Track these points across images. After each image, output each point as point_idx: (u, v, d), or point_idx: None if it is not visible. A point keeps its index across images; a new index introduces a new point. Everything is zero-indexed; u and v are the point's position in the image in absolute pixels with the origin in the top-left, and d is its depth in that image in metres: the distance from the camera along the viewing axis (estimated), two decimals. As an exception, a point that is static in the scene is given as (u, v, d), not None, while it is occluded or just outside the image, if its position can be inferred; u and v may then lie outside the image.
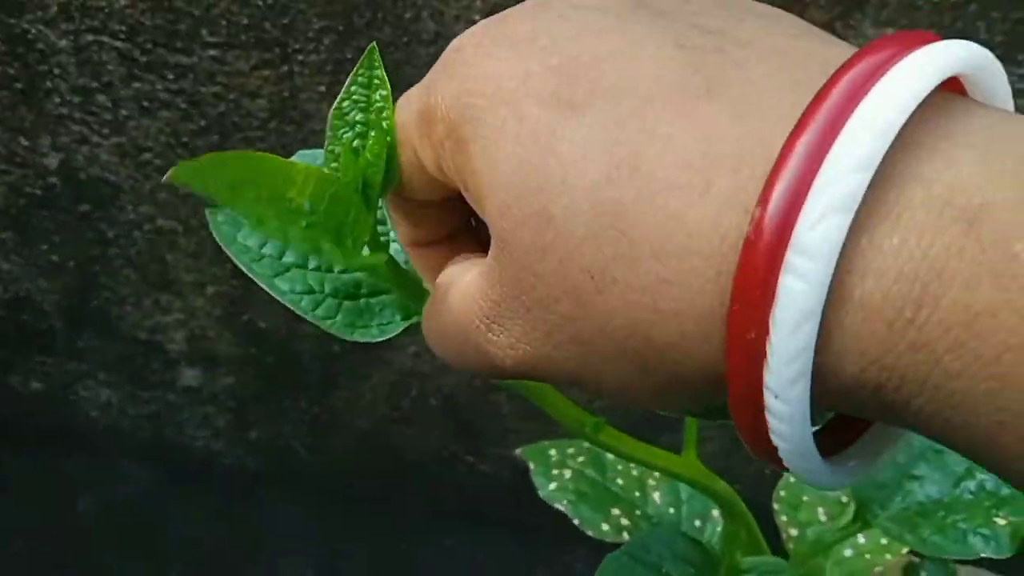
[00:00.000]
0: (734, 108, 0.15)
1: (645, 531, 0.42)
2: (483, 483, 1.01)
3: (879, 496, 0.38)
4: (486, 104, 0.18)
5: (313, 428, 0.99)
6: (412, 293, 0.28)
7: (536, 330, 0.18)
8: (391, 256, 0.27)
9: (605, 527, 0.45)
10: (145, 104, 0.78)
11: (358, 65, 0.25)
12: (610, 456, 0.50)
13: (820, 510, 0.48)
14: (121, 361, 0.97)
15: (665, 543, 0.34)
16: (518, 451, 0.51)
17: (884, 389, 0.14)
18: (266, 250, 0.29)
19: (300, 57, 0.72)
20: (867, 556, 0.47)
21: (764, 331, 0.14)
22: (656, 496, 0.47)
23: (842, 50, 0.17)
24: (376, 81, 0.25)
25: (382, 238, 0.29)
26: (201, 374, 0.97)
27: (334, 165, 0.24)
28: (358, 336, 0.28)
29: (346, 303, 0.29)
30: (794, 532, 0.48)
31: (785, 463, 0.16)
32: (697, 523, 0.46)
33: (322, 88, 0.74)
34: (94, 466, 1.06)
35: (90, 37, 0.74)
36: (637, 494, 0.47)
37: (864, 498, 0.37)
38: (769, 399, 0.15)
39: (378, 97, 0.24)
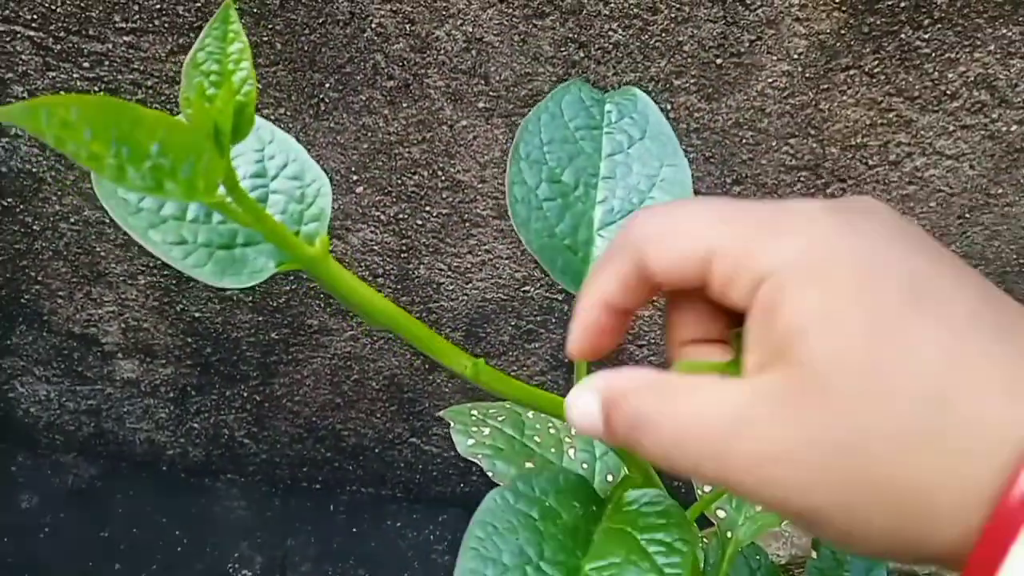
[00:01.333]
0: (1012, 391, 0.20)
1: (529, 470, 0.42)
2: (429, 463, 1.01)
3: None
4: (834, 271, 0.22)
5: (255, 416, 0.99)
6: (282, 240, 0.28)
7: (825, 471, 0.21)
8: (251, 199, 0.27)
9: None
10: (62, 93, 0.77)
11: (212, 19, 0.26)
12: (530, 414, 0.50)
13: None
14: (57, 356, 0.96)
15: (549, 479, 0.34)
16: (441, 412, 0.51)
17: None
18: (144, 203, 0.29)
19: (216, 41, 0.71)
20: None
21: (1002, 555, 0.19)
22: (571, 452, 0.48)
23: None
24: (231, 34, 0.25)
25: (244, 182, 0.29)
26: (139, 366, 0.96)
27: (188, 111, 0.24)
28: (227, 282, 0.28)
29: (218, 252, 0.29)
30: (707, 488, 0.48)
31: None
32: (609, 478, 0.47)
33: (241, 72, 0.73)
34: (35, 463, 1.05)
35: (1, 27, 0.73)
36: (553, 450, 0.48)
37: None
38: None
39: (233, 49, 0.25)
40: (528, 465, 0.47)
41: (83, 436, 1.03)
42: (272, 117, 0.75)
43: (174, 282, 0.88)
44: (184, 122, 0.26)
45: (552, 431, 0.50)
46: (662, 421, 0.23)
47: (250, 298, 0.88)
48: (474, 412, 0.52)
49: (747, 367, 0.23)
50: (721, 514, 0.52)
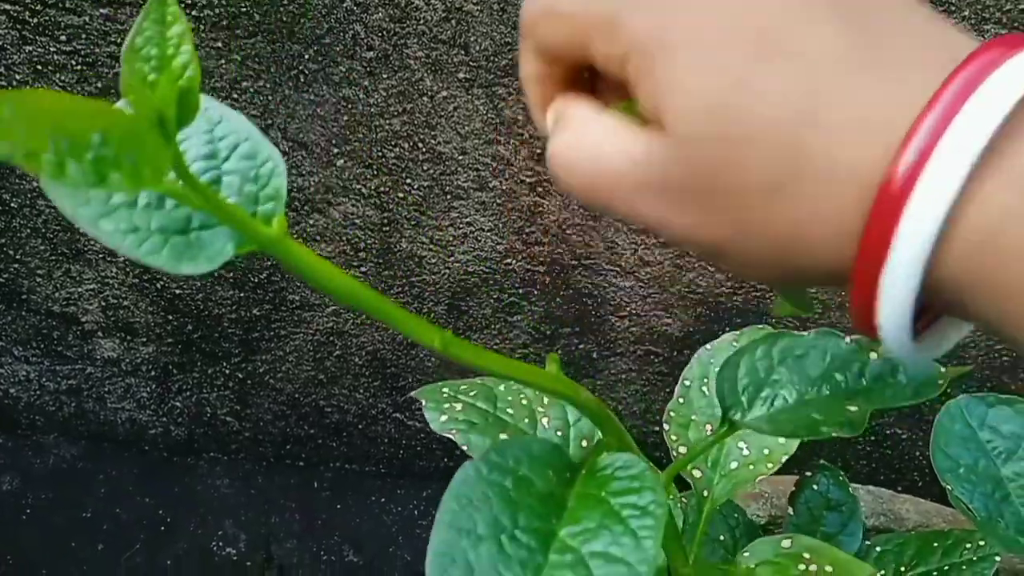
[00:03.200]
0: (886, 79, 0.21)
1: (503, 441, 0.43)
2: (413, 439, 1.02)
3: (742, 401, 0.40)
4: (683, 43, 0.22)
5: (238, 393, 0.99)
6: (237, 221, 0.28)
7: (710, 214, 0.22)
8: (204, 184, 0.26)
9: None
10: (39, 67, 0.76)
11: (149, 2, 0.25)
12: (501, 387, 0.50)
13: (707, 427, 0.50)
14: (36, 335, 0.95)
15: (522, 448, 0.34)
16: (413, 393, 0.51)
17: (961, 287, 0.20)
18: (93, 193, 0.28)
19: (195, 12, 0.71)
20: (751, 467, 0.49)
21: (887, 242, 0.20)
22: (544, 422, 0.48)
23: (968, 39, 0.21)
24: (170, 17, 0.25)
25: (193, 166, 0.28)
26: (119, 345, 0.95)
27: (130, 99, 0.24)
28: (185, 268, 0.28)
29: (174, 238, 0.29)
30: (683, 450, 0.49)
31: (882, 337, 0.22)
32: (584, 444, 0.47)
33: (219, 44, 0.73)
34: (16, 444, 1.04)
35: (-24, -1, 0.72)
36: (526, 420, 0.48)
37: (729, 405, 0.39)
38: (884, 288, 0.21)
39: (173, 33, 0.24)
40: (503, 437, 0.47)
41: (64, 416, 1.03)
42: (251, 89, 0.75)
43: (154, 259, 0.88)
44: (126, 111, 0.25)
45: (524, 402, 0.51)
46: (563, 153, 0.25)
47: (231, 274, 0.88)
48: (445, 389, 0.52)
49: (641, 115, 0.24)
50: (697, 474, 0.52)
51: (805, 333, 0.43)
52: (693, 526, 0.53)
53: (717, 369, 0.44)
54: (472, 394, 0.49)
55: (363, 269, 0.86)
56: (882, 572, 0.54)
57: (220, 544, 1.01)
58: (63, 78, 0.76)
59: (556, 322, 0.89)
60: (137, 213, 0.28)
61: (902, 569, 0.51)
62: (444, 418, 0.47)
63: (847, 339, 0.42)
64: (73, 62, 0.75)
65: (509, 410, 0.48)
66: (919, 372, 0.40)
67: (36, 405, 1.02)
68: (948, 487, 0.51)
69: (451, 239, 0.83)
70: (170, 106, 0.23)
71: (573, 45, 0.25)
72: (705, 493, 0.52)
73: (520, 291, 0.87)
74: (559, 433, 0.48)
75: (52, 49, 0.74)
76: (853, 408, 0.38)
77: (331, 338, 0.92)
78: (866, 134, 0.21)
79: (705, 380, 0.51)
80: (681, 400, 0.51)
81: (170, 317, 0.92)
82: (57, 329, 0.95)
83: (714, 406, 0.49)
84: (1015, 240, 0.19)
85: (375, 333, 0.92)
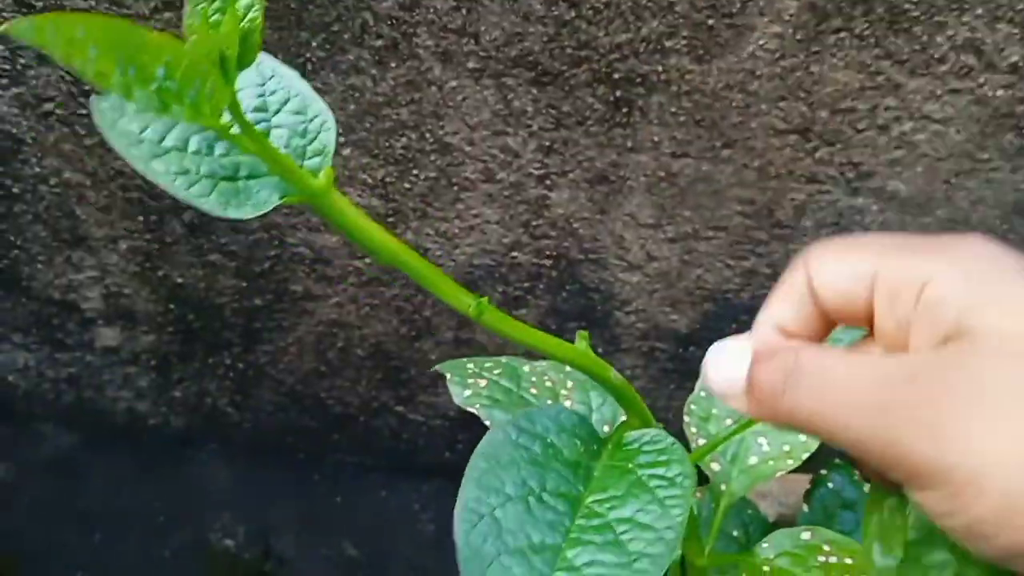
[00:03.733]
0: None
1: (530, 407, 0.43)
2: (415, 432, 1.01)
3: None
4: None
5: (239, 384, 0.98)
6: (285, 170, 0.28)
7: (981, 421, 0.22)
8: (259, 131, 0.27)
9: None
10: (43, 52, 0.75)
11: None
12: (525, 368, 0.51)
13: (728, 421, 0.49)
14: (36, 322, 0.95)
15: (551, 416, 0.34)
16: (437, 367, 0.51)
17: None
18: (146, 135, 0.29)
19: (202, -3, 0.70)
20: (770, 463, 0.48)
21: None
22: (567, 404, 0.48)
23: None
24: None
25: (250, 115, 0.29)
26: (120, 333, 0.95)
27: (193, 38, 0.24)
28: (231, 212, 0.28)
29: (222, 184, 0.29)
30: (703, 443, 0.49)
31: None
32: (606, 428, 0.47)
33: (227, 29, 0.72)
34: (14, 432, 1.04)
35: (-20, -19, 0.71)
36: (549, 402, 0.48)
37: None
38: None
39: None
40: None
41: (62, 405, 1.02)
42: (258, 77, 0.74)
43: (156, 247, 0.87)
44: (190, 47, 0.26)
45: (548, 384, 0.51)
46: (823, 375, 0.24)
47: (234, 263, 0.87)
48: (470, 365, 0.52)
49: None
50: (715, 467, 0.52)
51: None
52: (708, 520, 0.53)
53: None
54: (497, 372, 0.49)
55: (367, 260, 0.86)
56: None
57: (218, 536, 1.01)
58: (67, 62, 0.75)
59: (562, 316, 0.89)
60: (188, 157, 0.29)
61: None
62: (468, 393, 0.48)
63: None
64: (78, 46, 0.74)
65: (533, 390, 0.49)
66: None
67: (34, 393, 1.01)
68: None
69: (457, 231, 0.82)
70: (232, 46, 0.24)
71: (851, 285, 0.25)
72: (723, 487, 0.52)
73: (526, 285, 0.86)
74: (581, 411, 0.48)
75: (57, 32, 0.74)
76: None
77: (334, 329, 0.92)
78: None
79: None
80: (702, 394, 0.50)
81: (171, 306, 0.92)
82: (57, 316, 0.94)
83: None
84: None
85: (378, 325, 0.91)
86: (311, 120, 0.34)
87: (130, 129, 0.31)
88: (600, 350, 0.91)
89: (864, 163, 0.76)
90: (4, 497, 1.00)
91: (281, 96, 0.34)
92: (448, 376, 0.49)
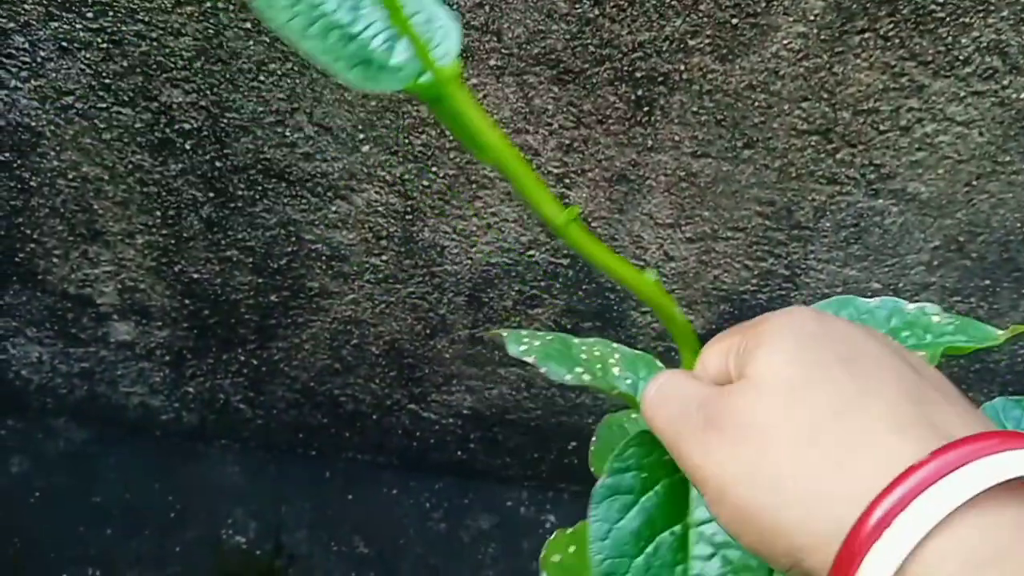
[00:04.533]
0: (841, 458, 0.25)
1: (578, 373, 0.45)
2: (427, 431, 1.01)
3: None
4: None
5: (252, 381, 0.98)
6: (420, 49, 0.29)
7: (735, 498, 0.27)
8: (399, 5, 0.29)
9: (568, 376, 0.47)
10: (64, 44, 0.75)
11: None
12: (575, 341, 0.52)
13: None
14: (50, 317, 0.95)
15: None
16: (494, 331, 0.53)
17: None
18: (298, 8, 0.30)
19: (225, -8, 0.70)
20: None
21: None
22: (616, 370, 0.49)
23: (918, 445, 0.25)
24: None
25: None
26: (134, 328, 0.95)
27: None
28: (369, 86, 0.30)
29: (362, 54, 0.31)
30: None
31: None
32: None
33: (248, 25, 0.72)
34: (26, 426, 1.03)
35: (2, -27, 0.71)
36: (599, 366, 0.49)
37: None
38: None
39: None
40: (578, 369, 0.48)
41: (75, 399, 1.02)
42: (278, 72, 0.74)
43: (173, 242, 0.87)
44: None
45: (597, 353, 0.52)
46: (666, 392, 0.31)
47: (250, 259, 0.87)
48: (525, 333, 0.53)
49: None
50: None
51: (871, 300, 0.44)
52: None
53: None
54: (549, 339, 0.51)
55: (384, 257, 0.85)
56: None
57: (230, 532, 1.01)
58: (88, 56, 0.75)
59: (578, 316, 0.88)
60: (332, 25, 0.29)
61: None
62: (523, 347, 0.49)
63: (910, 306, 0.43)
64: (99, 39, 0.74)
65: (582, 356, 0.50)
66: (979, 332, 0.42)
67: (48, 387, 1.01)
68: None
69: (474, 229, 0.82)
70: None
71: (720, 366, 0.31)
72: None
73: (542, 284, 0.86)
74: (628, 382, 0.50)
75: (78, 26, 0.73)
76: (921, 353, 0.40)
77: (348, 327, 0.91)
78: (836, 504, 0.25)
79: None
80: None
81: (186, 301, 0.91)
82: (72, 311, 0.94)
83: None
84: None
85: (393, 323, 0.91)
86: (438, 29, 0.35)
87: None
88: (615, 350, 0.91)
89: (885, 164, 0.75)
90: (17, 491, 1.00)
91: (410, 9, 0.36)
92: (504, 335, 0.51)
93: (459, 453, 1.02)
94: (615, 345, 0.51)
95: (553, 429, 1.00)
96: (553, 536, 0.45)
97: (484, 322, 0.90)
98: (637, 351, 0.51)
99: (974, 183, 0.76)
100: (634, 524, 0.37)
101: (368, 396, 0.97)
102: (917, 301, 0.85)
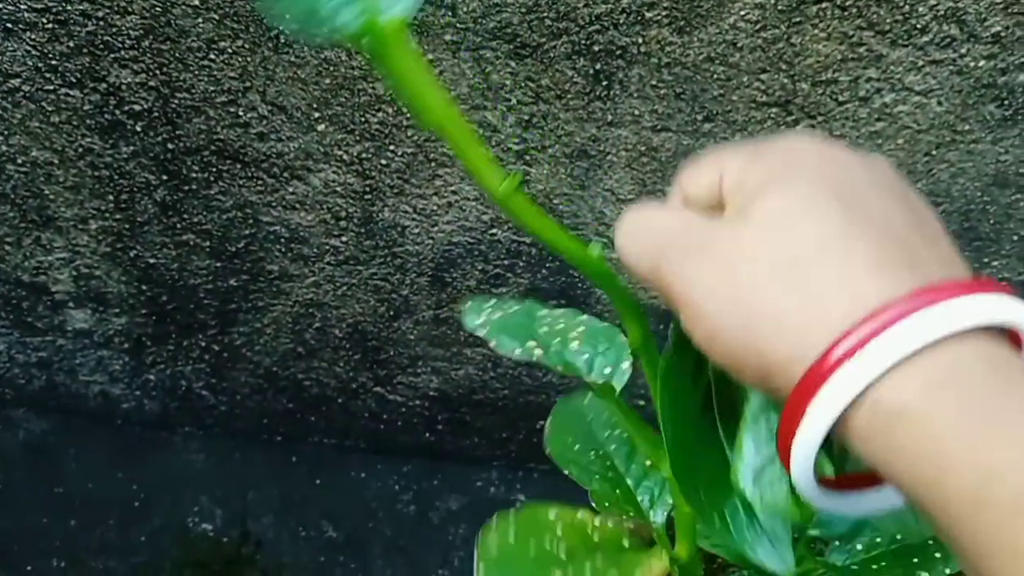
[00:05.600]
0: (819, 291, 0.26)
1: (531, 347, 0.44)
2: (394, 413, 1.00)
3: None
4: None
5: (214, 367, 0.96)
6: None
7: (712, 309, 0.28)
8: None
9: (518, 351, 0.47)
10: (8, 26, 0.73)
11: None
12: (543, 310, 0.51)
13: None
14: (5, 306, 0.93)
15: None
16: (462, 304, 0.52)
17: (859, 441, 0.26)
18: None
19: (171, -32, 0.68)
20: None
21: (804, 406, 0.26)
22: (575, 345, 0.49)
23: (899, 280, 0.26)
24: None
25: None
26: (91, 316, 0.93)
27: None
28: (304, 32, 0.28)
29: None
30: None
31: (792, 472, 0.27)
32: (606, 370, 0.48)
33: (196, 1, 0.70)
34: (-16, 418, 1.02)
35: (-61, -49, 0.69)
36: (557, 340, 0.49)
37: None
38: (799, 437, 0.26)
39: None
40: (530, 343, 0.48)
41: (34, 389, 1.00)
42: (229, 50, 0.73)
43: (127, 227, 0.85)
44: None
45: (561, 325, 0.51)
46: (641, 222, 0.31)
47: (207, 243, 0.86)
48: (491, 301, 0.53)
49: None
50: None
51: None
52: None
53: None
54: (514, 309, 0.50)
55: (344, 238, 0.84)
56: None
57: (196, 520, 0.99)
58: (34, 37, 0.73)
59: (542, 294, 0.88)
60: None
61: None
62: (480, 320, 0.48)
63: None
64: (44, 20, 0.72)
65: (544, 329, 0.49)
66: None
67: (5, 378, 0.99)
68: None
69: (435, 208, 0.81)
70: None
71: (709, 186, 0.31)
72: None
73: (505, 262, 0.86)
74: (585, 357, 0.49)
75: (22, 6, 0.71)
76: None
77: (311, 310, 0.90)
78: (804, 333, 0.26)
79: None
80: None
81: (143, 287, 0.90)
82: (27, 299, 0.92)
83: None
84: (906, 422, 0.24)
85: (356, 305, 0.90)
86: None
87: None
88: (580, 328, 0.91)
89: (845, 135, 0.75)
90: (-25, 484, 0.98)
91: None
92: (466, 304, 0.50)
93: (427, 435, 1.02)
94: (583, 317, 0.50)
95: (521, 408, 0.99)
96: (491, 523, 0.44)
97: (448, 302, 0.89)
98: (603, 324, 0.50)
99: (933, 153, 0.76)
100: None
101: (333, 380, 0.96)
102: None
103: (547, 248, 0.84)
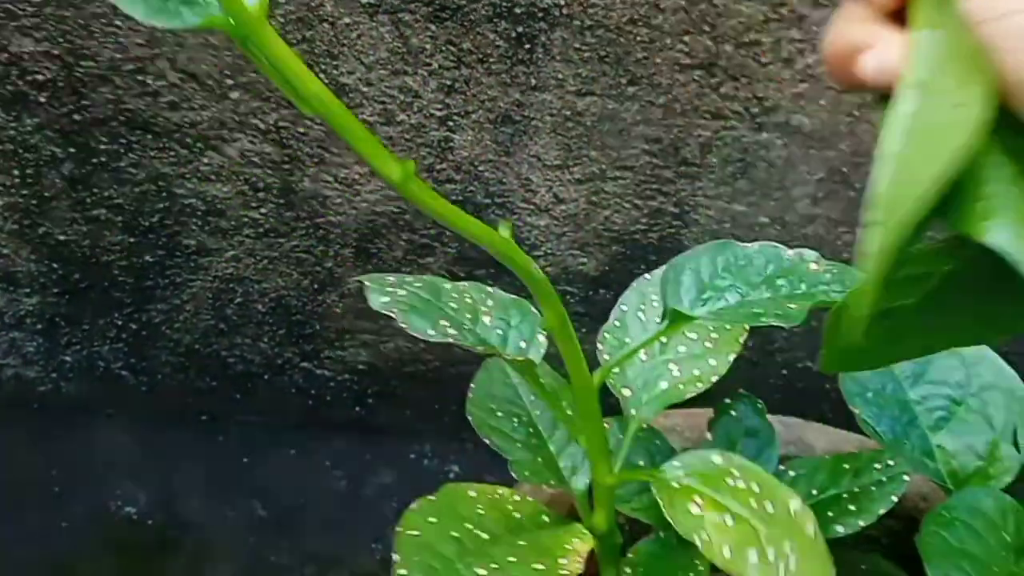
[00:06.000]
0: None
1: (444, 327, 0.43)
2: (323, 388, 0.98)
3: (683, 299, 0.41)
4: None
5: (132, 346, 0.93)
6: None
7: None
8: None
9: (431, 331, 0.45)
10: None
11: None
12: (447, 285, 0.50)
13: (642, 353, 0.50)
14: (-95, 288, 0.88)
15: None
16: (360, 277, 0.50)
17: None
18: None
19: (67, -73, 0.65)
20: (680, 387, 0.49)
21: None
22: (487, 320, 0.48)
23: None
24: None
25: None
26: (0, 296, 0.89)
27: None
28: (159, 21, 0.26)
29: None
30: (616, 370, 0.49)
31: None
32: (522, 344, 0.47)
33: (97, -37, 0.67)
34: None
35: None
36: (468, 316, 0.48)
37: (672, 303, 0.42)
38: None
39: None
40: (442, 322, 0.47)
41: (-59, 375, 0.96)
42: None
43: (35, 203, 0.82)
44: None
45: (468, 301, 0.51)
46: None
47: (120, 218, 0.83)
48: (391, 278, 0.52)
49: None
50: (627, 393, 0.52)
51: (750, 245, 0.44)
52: (618, 445, 0.53)
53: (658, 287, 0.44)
54: (417, 285, 0.49)
55: (263, 210, 0.82)
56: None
57: (119, 504, 0.97)
58: (-81, 1, 0.69)
59: (471, 263, 0.86)
60: None
61: (814, 492, 0.51)
62: (386, 299, 0.47)
63: (790, 252, 0.44)
64: (-71, -18, 0.68)
65: (452, 304, 0.48)
66: (855, 280, 0.41)
67: (-91, 364, 0.95)
68: (856, 411, 0.51)
69: (357, 177, 0.79)
70: None
71: None
72: (632, 412, 0.52)
73: (432, 232, 0.84)
74: (499, 332, 0.48)
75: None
76: (794, 306, 0.39)
77: (231, 285, 0.88)
78: None
79: (642, 307, 0.51)
80: (617, 323, 0.51)
81: (55, 265, 0.86)
82: (-72, 281, 0.87)
83: (648, 331, 0.49)
84: None
85: (279, 279, 0.87)
86: None
87: None
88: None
89: (769, 97, 0.75)
90: None
91: None
92: (366, 284, 0.49)
93: (357, 409, 1.00)
94: (490, 290, 0.49)
95: (453, 379, 0.98)
96: (413, 505, 0.43)
97: (375, 273, 0.87)
98: (512, 296, 0.49)
99: (855, 113, 0.76)
100: None
101: (257, 356, 0.94)
102: (804, 232, 0.86)
103: (475, 216, 0.83)
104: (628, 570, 0.49)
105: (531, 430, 0.56)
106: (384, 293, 0.47)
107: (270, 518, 0.99)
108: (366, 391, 0.98)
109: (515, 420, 0.56)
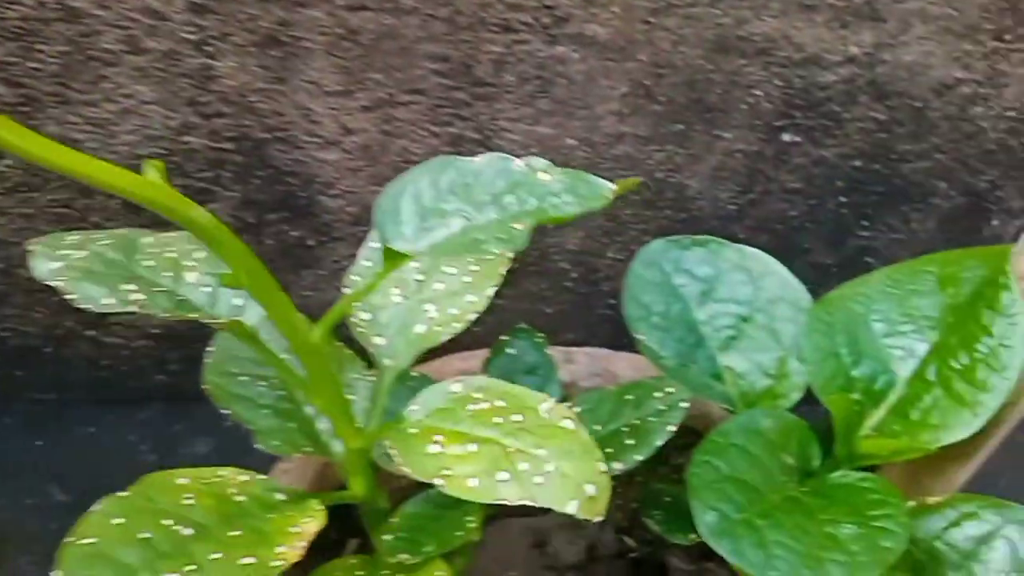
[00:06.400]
0: None
1: (126, 291, 0.37)
2: (116, 357, 0.89)
3: (404, 233, 0.37)
4: None
5: None
6: None
7: None
8: None
9: (110, 300, 0.39)
10: None
11: None
12: (147, 239, 0.44)
13: (396, 291, 0.45)
14: None
15: None
16: (27, 243, 0.43)
17: None
18: None
19: None
20: (437, 328, 0.45)
21: None
22: (191, 277, 0.42)
23: None
24: None
25: None
26: None
27: None
28: None
29: None
30: (365, 316, 0.45)
31: None
32: (238, 302, 0.44)
33: None
34: None
35: None
36: (169, 274, 0.42)
37: (391, 238, 0.37)
38: None
39: None
40: (126, 287, 0.40)
41: None
42: None
43: None
44: None
45: (170, 255, 0.44)
46: None
47: None
48: (73, 237, 0.45)
49: None
50: (379, 342, 0.47)
51: (476, 159, 0.39)
52: (375, 399, 0.47)
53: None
54: (106, 243, 0.42)
55: (8, 161, 0.72)
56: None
57: None
58: None
59: (259, 208, 0.79)
60: None
61: (598, 427, 0.46)
62: (57, 265, 0.40)
63: (519, 162, 0.38)
64: None
65: (150, 262, 0.41)
66: (588, 189, 0.36)
67: None
68: (639, 337, 0.47)
69: (109, 116, 0.70)
70: None
71: None
72: (388, 362, 0.47)
73: (209, 174, 0.76)
74: (206, 290, 0.42)
75: None
76: (519, 227, 0.36)
77: (-12, 249, 0.78)
78: None
79: None
80: (367, 263, 0.47)
81: None
82: None
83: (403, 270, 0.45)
84: None
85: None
86: None
87: None
88: (311, 241, 0.82)
89: (558, 6, 0.69)
90: None
91: None
92: (32, 248, 0.41)
93: (158, 376, 0.92)
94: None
95: (266, 336, 0.91)
96: (96, 506, 0.37)
97: (151, 227, 0.78)
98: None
99: (650, 20, 0.71)
100: None
101: (33, 327, 0.85)
102: (614, 153, 0.81)
103: (257, 154, 0.75)
104: (387, 537, 0.43)
105: (283, 393, 0.49)
106: (56, 258, 0.40)
107: (71, 502, 0.91)
108: (166, 357, 0.90)
109: (263, 383, 0.49)
